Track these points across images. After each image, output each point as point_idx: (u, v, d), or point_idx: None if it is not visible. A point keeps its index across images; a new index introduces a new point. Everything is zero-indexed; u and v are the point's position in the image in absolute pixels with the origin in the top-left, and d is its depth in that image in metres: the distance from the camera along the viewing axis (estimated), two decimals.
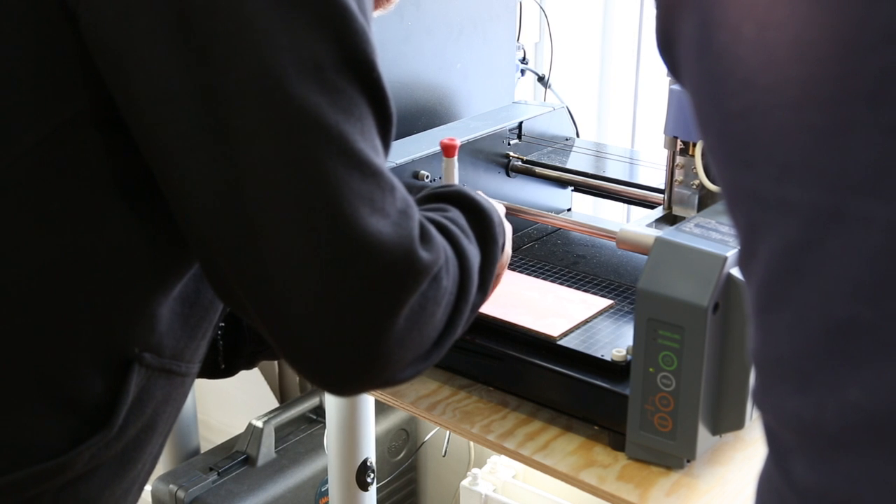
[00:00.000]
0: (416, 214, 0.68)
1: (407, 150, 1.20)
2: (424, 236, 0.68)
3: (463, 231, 0.77)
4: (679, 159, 1.09)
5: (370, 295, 0.64)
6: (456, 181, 1.12)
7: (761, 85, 0.51)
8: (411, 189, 0.79)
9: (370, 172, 0.64)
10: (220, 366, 0.98)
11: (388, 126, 0.68)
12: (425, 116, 1.35)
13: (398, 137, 1.26)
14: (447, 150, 1.12)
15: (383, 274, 0.64)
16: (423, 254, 0.67)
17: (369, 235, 0.63)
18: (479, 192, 0.91)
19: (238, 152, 0.61)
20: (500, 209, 0.98)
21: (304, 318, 0.63)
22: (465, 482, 1.74)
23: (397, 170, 1.15)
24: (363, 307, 0.64)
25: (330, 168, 0.62)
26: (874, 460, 0.48)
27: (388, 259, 0.64)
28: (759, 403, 0.56)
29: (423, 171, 1.18)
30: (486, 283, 0.80)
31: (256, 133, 0.61)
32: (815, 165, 0.49)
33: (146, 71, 0.62)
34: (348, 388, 0.69)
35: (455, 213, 0.79)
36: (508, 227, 0.94)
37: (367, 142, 0.64)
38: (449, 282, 0.72)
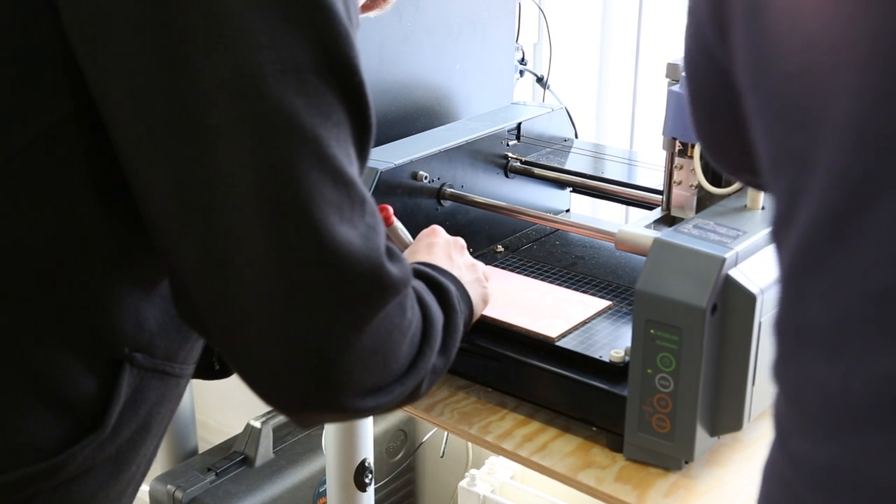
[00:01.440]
0: (383, 232, 0.67)
1: (406, 151, 1.19)
2: (392, 255, 0.67)
3: (425, 291, 0.77)
4: (678, 160, 1.09)
5: (335, 306, 0.62)
6: (405, 237, 1.06)
7: (824, 44, 0.49)
8: None
9: (342, 181, 0.62)
10: (215, 367, 0.97)
11: (367, 135, 0.66)
12: (424, 117, 1.35)
13: (397, 138, 1.26)
14: (385, 220, 1.03)
15: (350, 285, 0.62)
16: (392, 269, 0.65)
17: (338, 244, 0.61)
18: (436, 250, 0.92)
19: (209, 151, 0.60)
20: (459, 247, 0.98)
21: (264, 328, 0.61)
22: (463, 483, 1.74)
23: (396, 170, 1.15)
24: (326, 318, 0.62)
25: (303, 171, 0.60)
26: None
27: (357, 270, 0.62)
28: (778, 374, 0.55)
29: (421, 172, 1.18)
30: (448, 346, 0.78)
31: (229, 131, 0.60)
32: (872, 128, 0.48)
33: (121, 64, 0.60)
34: (304, 408, 0.66)
35: (416, 282, 0.77)
36: (474, 270, 0.94)
37: (341, 149, 0.63)
38: (413, 316, 0.70)
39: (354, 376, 0.65)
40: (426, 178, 1.19)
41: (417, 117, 1.34)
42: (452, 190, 1.24)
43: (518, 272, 1.22)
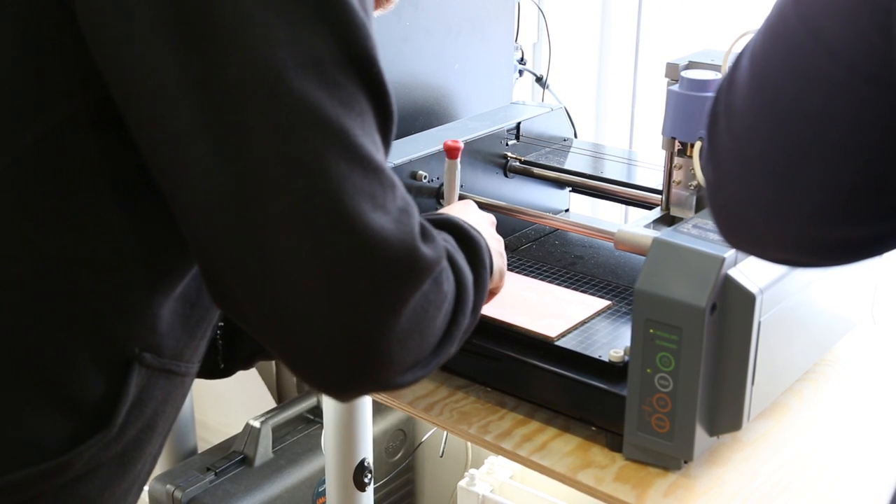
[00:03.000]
0: (416, 213, 0.68)
1: (405, 151, 1.20)
2: (426, 236, 0.68)
3: (456, 251, 0.77)
4: (677, 160, 1.09)
5: (373, 292, 0.63)
6: (457, 183, 1.12)
7: None
8: None
9: (371, 168, 0.63)
10: (219, 366, 0.98)
11: (389, 123, 0.67)
12: (423, 117, 1.35)
13: (396, 137, 1.25)
14: (451, 151, 1.12)
15: (386, 270, 0.63)
16: (426, 251, 0.66)
17: (372, 231, 0.62)
18: (471, 213, 0.90)
19: (236, 148, 0.61)
20: (489, 221, 0.98)
21: (305, 317, 0.63)
22: (462, 482, 1.74)
23: (395, 170, 1.15)
24: (366, 304, 0.63)
25: (331, 163, 0.61)
26: None
27: (391, 255, 0.63)
28: None
29: (421, 172, 1.18)
30: (478, 305, 0.79)
31: (255, 128, 0.61)
32: None
33: (143, 66, 0.61)
34: (348, 389, 0.68)
35: (446, 236, 0.78)
36: (500, 244, 0.94)
37: (367, 137, 0.64)
38: (449, 288, 0.71)
39: (395, 357, 0.66)
40: (425, 177, 1.19)
41: (417, 117, 1.34)
42: None
43: (517, 272, 1.22)
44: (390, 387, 0.69)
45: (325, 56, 0.62)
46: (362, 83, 0.64)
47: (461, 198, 1.22)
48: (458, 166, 1.12)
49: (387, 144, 0.68)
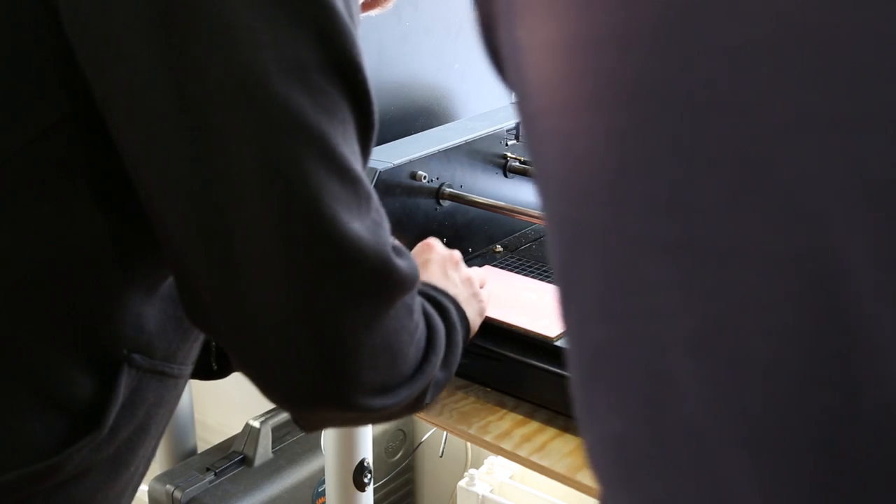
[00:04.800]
0: (388, 228, 0.67)
1: (405, 151, 1.19)
2: (399, 252, 0.67)
3: (426, 304, 0.78)
4: None
5: (345, 302, 0.62)
6: None
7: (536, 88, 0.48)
8: None
9: (349, 178, 0.63)
10: (213, 367, 0.97)
11: (370, 132, 0.67)
12: (423, 117, 1.35)
13: (395, 138, 1.26)
14: None
15: (360, 280, 0.63)
16: (400, 263, 0.66)
17: (348, 240, 0.62)
18: (433, 261, 0.93)
19: (215, 150, 0.60)
20: (453, 263, 0.98)
21: (274, 325, 0.62)
22: (462, 483, 1.74)
23: (395, 170, 1.15)
24: (337, 314, 0.62)
25: (310, 169, 0.61)
26: None
27: (366, 266, 0.63)
28: None
29: (420, 172, 1.18)
30: (449, 361, 0.79)
31: (235, 131, 0.60)
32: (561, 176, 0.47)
33: (124, 65, 0.60)
34: (312, 404, 0.66)
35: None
36: (471, 285, 0.95)
37: (347, 146, 0.63)
38: (419, 319, 0.71)
39: (364, 373, 0.65)
40: (425, 177, 1.19)
41: (416, 117, 1.34)
42: (451, 190, 1.24)
43: (517, 272, 1.22)
44: (355, 407, 0.67)
45: (309, 62, 0.61)
46: (346, 90, 0.63)
47: (456, 197, 1.22)
48: None
49: (366, 154, 0.67)
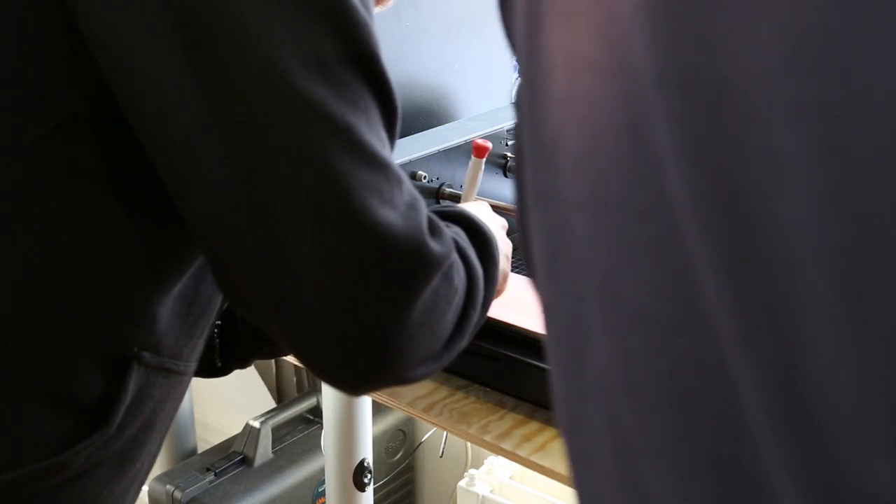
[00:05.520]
0: (424, 208, 0.68)
1: (405, 151, 1.20)
2: (434, 231, 0.68)
3: (467, 245, 0.77)
4: None
5: (383, 287, 0.63)
6: (478, 183, 1.12)
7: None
8: None
9: (378, 164, 0.64)
10: (216, 364, 0.98)
11: (394, 118, 0.68)
12: (423, 117, 1.35)
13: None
14: (478, 150, 1.11)
15: (396, 266, 0.64)
16: (435, 246, 0.67)
17: (380, 227, 0.63)
18: (483, 210, 0.91)
19: (243, 147, 0.61)
20: (500, 224, 0.98)
21: (317, 313, 0.63)
22: (462, 483, 1.74)
23: None
24: (377, 300, 0.63)
25: (338, 160, 0.62)
26: None
27: (401, 250, 0.64)
28: None
29: (420, 172, 1.18)
30: (488, 299, 0.80)
31: (262, 127, 0.61)
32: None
33: (148, 69, 0.61)
34: (361, 384, 0.69)
35: (457, 230, 0.79)
36: (508, 247, 0.94)
37: (373, 133, 0.64)
38: (460, 282, 0.72)
39: (406, 352, 0.66)
40: (425, 177, 1.19)
41: (416, 117, 1.34)
42: (451, 190, 1.24)
43: (517, 272, 1.22)
44: (403, 381, 0.70)
45: (328, 54, 0.62)
46: (366, 80, 0.64)
47: (456, 197, 1.22)
48: (482, 167, 1.12)
49: (392, 140, 0.68)
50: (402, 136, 1.27)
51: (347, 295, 0.63)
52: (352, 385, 0.70)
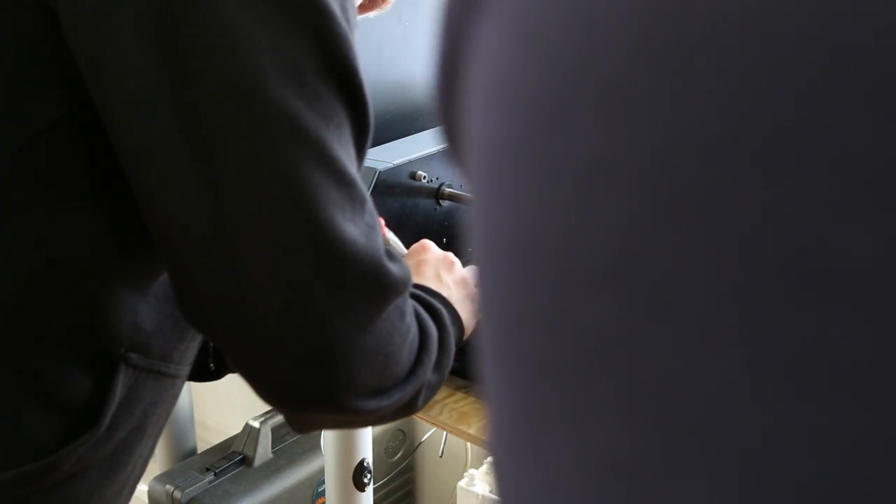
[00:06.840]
0: (381, 233, 0.68)
1: (404, 151, 1.19)
2: (392, 256, 0.68)
3: (419, 308, 0.77)
4: None
5: (340, 304, 0.63)
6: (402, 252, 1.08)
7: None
8: None
9: (345, 182, 0.63)
10: (210, 367, 0.97)
11: (365, 136, 0.67)
12: (423, 117, 1.35)
13: (395, 138, 1.26)
14: None
15: (354, 283, 0.63)
16: (393, 268, 0.66)
17: (343, 243, 0.62)
18: (428, 265, 0.92)
19: (212, 154, 0.60)
20: (447, 264, 0.97)
21: (270, 326, 0.62)
22: (462, 483, 1.74)
23: (394, 170, 1.15)
24: (332, 316, 0.63)
25: (307, 173, 0.61)
26: None
27: (360, 269, 0.63)
28: None
29: (420, 172, 1.18)
30: (442, 363, 0.79)
31: (233, 135, 0.60)
32: None
33: (123, 70, 0.61)
34: (306, 404, 0.67)
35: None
36: (465, 286, 0.94)
37: (343, 150, 0.64)
38: (412, 322, 0.71)
39: (357, 375, 0.65)
40: (425, 177, 1.19)
41: (416, 117, 1.34)
42: (451, 190, 1.24)
43: None
44: (347, 409, 0.67)
45: (305, 65, 0.61)
46: (342, 95, 0.63)
47: (456, 197, 1.21)
48: (390, 237, 1.08)
49: (361, 158, 0.67)
50: (403, 135, 1.27)
51: (303, 308, 0.62)
52: (297, 404, 0.67)
